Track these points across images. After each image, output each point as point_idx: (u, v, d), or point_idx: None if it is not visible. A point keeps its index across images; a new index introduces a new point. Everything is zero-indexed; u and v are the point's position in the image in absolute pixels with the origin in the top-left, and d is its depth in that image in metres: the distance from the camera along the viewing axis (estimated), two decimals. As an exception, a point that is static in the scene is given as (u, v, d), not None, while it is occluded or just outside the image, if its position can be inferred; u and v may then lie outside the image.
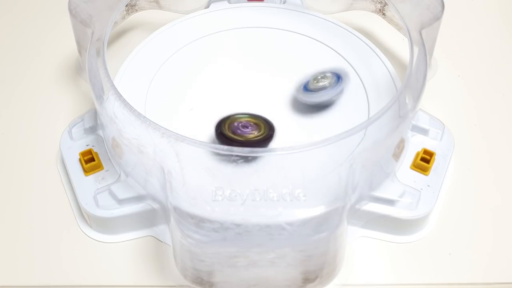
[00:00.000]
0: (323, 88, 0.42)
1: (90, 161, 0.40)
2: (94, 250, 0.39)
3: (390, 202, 0.39)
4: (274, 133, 0.40)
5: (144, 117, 0.36)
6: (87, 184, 0.40)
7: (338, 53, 0.46)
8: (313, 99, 0.42)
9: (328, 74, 0.43)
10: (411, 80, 0.39)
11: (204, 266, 0.35)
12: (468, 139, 0.45)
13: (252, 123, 0.40)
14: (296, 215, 0.34)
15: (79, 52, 0.45)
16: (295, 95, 0.43)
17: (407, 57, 0.41)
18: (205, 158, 0.35)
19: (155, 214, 0.38)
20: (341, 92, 0.43)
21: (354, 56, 0.46)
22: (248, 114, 0.40)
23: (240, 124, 0.40)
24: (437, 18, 0.42)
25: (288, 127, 0.42)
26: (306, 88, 0.43)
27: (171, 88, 0.44)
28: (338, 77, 0.43)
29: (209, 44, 0.47)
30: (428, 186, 0.40)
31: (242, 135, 0.39)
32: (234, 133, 0.39)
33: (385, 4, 0.48)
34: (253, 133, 0.39)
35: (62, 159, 0.42)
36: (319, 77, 0.43)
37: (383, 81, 0.44)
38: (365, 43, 0.47)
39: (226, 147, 0.35)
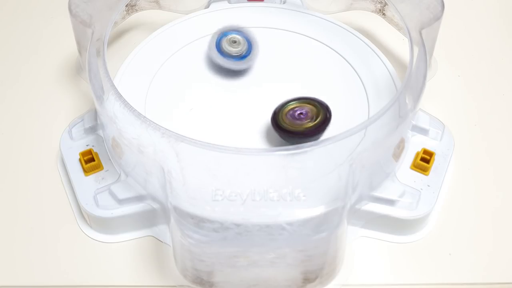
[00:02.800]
0: (236, 55, 0.43)
1: (90, 161, 0.40)
2: (94, 250, 0.39)
3: (390, 202, 0.39)
4: (330, 115, 0.40)
5: (144, 117, 0.36)
6: (87, 184, 0.40)
7: (338, 53, 0.46)
8: (227, 65, 0.43)
9: (240, 39, 0.43)
10: (411, 80, 0.39)
11: (204, 266, 0.35)
12: (468, 139, 0.45)
13: (307, 109, 0.40)
14: (296, 215, 0.34)
15: (79, 52, 0.45)
16: (207, 52, 0.44)
17: (407, 57, 0.41)
18: (205, 158, 0.35)
19: (155, 214, 0.38)
20: (247, 67, 0.43)
21: (354, 56, 0.46)
22: (302, 99, 0.40)
23: (295, 113, 0.40)
24: (437, 18, 0.42)
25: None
26: (219, 48, 0.43)
27: (171, 88, 0.44)
28: (249, 45, 0.43)
29: (209, 44, 0.47)
30: (428, 186, 0.40)
31: (300, 125, 0.39)
32: (292, 123, 0.39)
33: (385, 4, 0.48)
34: (308, 121, 0.39)
35: (62, 159, 0.42)
36: (232, 41, 0.43)
37: (383, 81, 0.44)
38: (365, 43, 0.47)
39: (226, 147, 0.35)
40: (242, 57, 0.43)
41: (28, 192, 0.42)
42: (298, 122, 0.39)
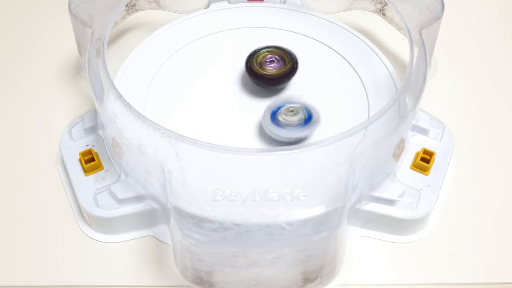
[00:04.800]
0: (291, 124, 0.40)
1: (90, 161, 0.40)
2: (94, 250, 0.39)
3: (390, 202, 0.39)
4: (297, 65, 0.43)
5: (144, 117, 0.36)
6: (87, 184, 0.40)
7: (338, 53, 0.46)
8: (278, 133, 0.40)
9: (299, 109, 0.40)
10: (411, 80, 0.39)
11: (204, 266, 0.35)
12: (468, 139, 0.45)
13: (277, 57, 0.43)
14: (296, 215, 0.34)
15: (79, 52, 0.45)
16: (261, 122, 0.41)
17: (407, 57, 0.41)
18: (205, 158, 0.35)
19: (155, 214, 0.38)
20: (309, 134, 0.40)
21: (354, 56, 0.46)
22: (273, 47, 0.44)
23: (266, 59, 0.43)
24: (437, 18, 0.42)
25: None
26: (273, 118, 0.40)
27: (171, 88, 0.44)
28: (309, 116, 0.40)
29: (209, 44, 0.47)
30: (428, 186, 0.40)
31: (269, 71, 0.43)
32: (261, 67, 0.43)
33: (385, 4, 0.48)
34: (277, 67, 0.43)
35: (62, 159, 0.42)
36: (290, 110, 0.40)
37: (383, 81, 0.44)
38: (365, 43, 0.47)
39: (226, 147, 0.35)
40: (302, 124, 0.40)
41: (28, 192, 0.42)
42: (268, 68, 0.43)
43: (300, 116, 0.40)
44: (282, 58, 0.43)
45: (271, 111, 0.40)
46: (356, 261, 0.39)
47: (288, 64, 0.43)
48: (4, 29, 0.53)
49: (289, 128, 0.40)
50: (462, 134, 0.44)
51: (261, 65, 0.43)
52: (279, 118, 0.40)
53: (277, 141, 0.41)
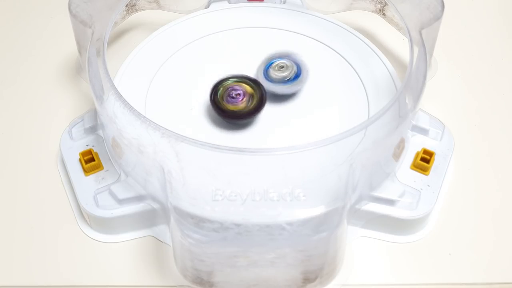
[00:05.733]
0: (283, 80, 0.42)
1: (90, 161, 0.40)
2: (94, 250, 0.39)
3: (390, 202, 0.39)
4: (265, 102, 0.41)
5: (144, 117, 0.36)
6: (87, 184, 0.40)
7: (338, 53, 0.46)
8: (273, 89, 0.42)
9: (288, 64, 0.43)
10: (411, 80, 0.39)
11: (204, 266, 0.35)
12: (468, 139, 0.45)
13: (244, 90, 0.41)
14: (296, 215, 0.34)
15: (79, 52, 0.45)
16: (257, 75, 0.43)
17: (407, 57, 0.41)
18: (205, 158, 0.35)
19: (155, 214, 0.38)
20: (301, 85, 0.43)
21: (354, 56, 0.46)
22: (240, 78, 0.42)
23: (232, 92, 0.41)
24: (437, 18, 0.42)
25: (288, 126, 0.42)
26: (266, 75, 0.43)
27: (171, 88, 0.44)
28: (298, 69, 0.43)
29: (209, 44, 0.47)
30: (428, 186, 0.40)
31: (235, 105, 0.41)
32: (227, 102, 0.41)
33: (385, 4, 0.48)
34: (244, 102, 0.41)
35: (62, 159, 0.42)
36: (280, 66, 0.43)
37: (383, 81, 0.44)
38: (365, 43, 0.47)
39: (226, 147, 0.35)
40: (291, 80, 0.43)
41: (28, 192, 0.42)
42: (234, 102, 0.41)
43: (290, 72, 0.42)
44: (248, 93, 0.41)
45: (264, 66, 0.43)
46: (356, 261, 0.39)
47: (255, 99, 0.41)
48: (4, 29, 0.53)
49: (278, 84, 0.42)
50: (462, 134, 0.44)
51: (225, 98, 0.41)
52: (271, 73, 0.42)
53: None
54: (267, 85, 0.42)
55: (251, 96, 0.41)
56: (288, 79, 0.43)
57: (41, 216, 0.41)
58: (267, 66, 0.43)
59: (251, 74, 0.43)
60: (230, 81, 0.42)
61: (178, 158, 0.35)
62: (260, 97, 0.41)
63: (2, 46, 0.51)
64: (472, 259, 0.39)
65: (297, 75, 0.43)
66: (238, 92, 0.41)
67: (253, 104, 0.41)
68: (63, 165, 0.42)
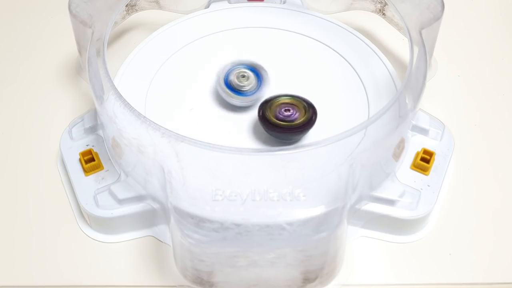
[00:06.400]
0: (245, 92, 0.42)
1: (90, 161, 0.40)
2: (94, 250, 0.39)
3: (390, 202, 0.39)
4: (316, 116, 0.40)
5: (144, 117, 0.36)
6: (87, 184, 0.40)
7: (338, 53, 0.46)
8: (235, 102, 0.42)
9: (250, 74, 0.42)
10: (411, 80, 0.39)
11: (204, 266, 0.35)
12: (468, 139, 0.45)
13: (294, 106, 0.41)
14: (296, 215, 0.34)
15: (79, 52, 0.45)
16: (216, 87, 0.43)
17: (407, 57, 0.41)
18: (205, 158, 0.35)
19: (155, 214, 0.38)
20: (260, 95, 0.42)
21: (354, 56, 0.46)
22: (290, 96, 0.41)
23: (282, 108, 0.41)
24: (437, 18, 0.42)
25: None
26: (227, 83, 0.42)
27: (171, 88, 0.44)
28: (259, 78, 0.42)
29: (209, 44, 0.47)
30: (428, 186, 0.40)
31: (285, 120, 0.40)
32: (276, 117, 0.40)
33: (385, 4, 0.48)
34: (295, 117, 0.40)
35: (62, 159, 0.42)
36: (241, 76, 0.42)
37: (383, 81, 0.44)
38: (365, 43, 0.47)
39: (226, 147, 0.35)
40: (250, 93, 0.42)
41: (28, 192, 0.42)
42: (283, 117, 0.40)
43: (251, 80, 0.42)
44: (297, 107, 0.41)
45: (223, 77, 0.43)
46: (356, 261, 0.39)
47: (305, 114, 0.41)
48: (4, 29, 0.53)
49: (243, 94, 0.42)
50: (462, 134, 0.44)
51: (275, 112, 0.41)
52: (233, 84, 0.42)
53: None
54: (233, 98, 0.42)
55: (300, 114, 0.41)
56: (247, 91, 0.42)
57: (41, 216, 0.41)
58: (226, 78, 0.43)
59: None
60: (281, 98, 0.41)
61: (178, 158, 0.35)
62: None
63: (2, 46, 0.51)
64: (472, 259, 0.39)
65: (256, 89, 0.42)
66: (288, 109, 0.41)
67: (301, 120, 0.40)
68: (63, 165, 0.42)
